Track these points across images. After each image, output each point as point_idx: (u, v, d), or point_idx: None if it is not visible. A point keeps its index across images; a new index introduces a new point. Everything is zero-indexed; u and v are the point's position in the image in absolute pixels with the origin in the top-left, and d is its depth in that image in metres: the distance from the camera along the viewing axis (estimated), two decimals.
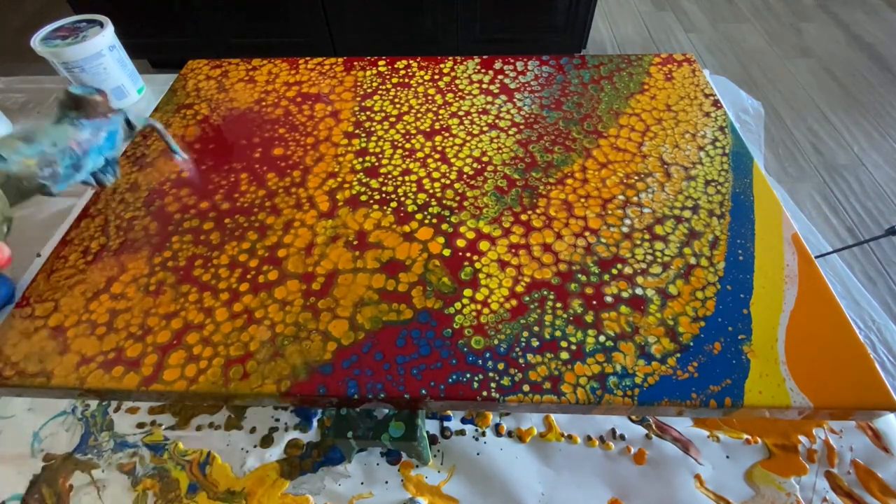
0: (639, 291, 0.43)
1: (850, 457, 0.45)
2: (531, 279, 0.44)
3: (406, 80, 0.66)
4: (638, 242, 0.46)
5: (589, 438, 0.47)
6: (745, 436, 0.46)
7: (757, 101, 0.85)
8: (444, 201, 0.51)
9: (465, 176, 0.53)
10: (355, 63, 0.70)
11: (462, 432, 0.48)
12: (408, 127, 0.60)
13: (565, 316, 0.41)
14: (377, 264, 0.45)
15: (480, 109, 0.62)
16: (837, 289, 0.64)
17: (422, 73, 0.68)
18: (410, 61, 0.70)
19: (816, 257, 0.45)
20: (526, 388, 0.37)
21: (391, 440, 0.41)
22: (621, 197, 0.50)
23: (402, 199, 0.51)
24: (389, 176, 0.54)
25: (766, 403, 0.36)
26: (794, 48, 1.88)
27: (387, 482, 0.45)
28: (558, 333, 0.40)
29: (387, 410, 0.42)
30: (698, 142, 0.56)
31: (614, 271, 0.44)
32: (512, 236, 0.47)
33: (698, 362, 0.38)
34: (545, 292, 0.43)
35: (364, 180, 0.53)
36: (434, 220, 0.49)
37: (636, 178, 0.52)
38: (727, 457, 0.45)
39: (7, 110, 0.86)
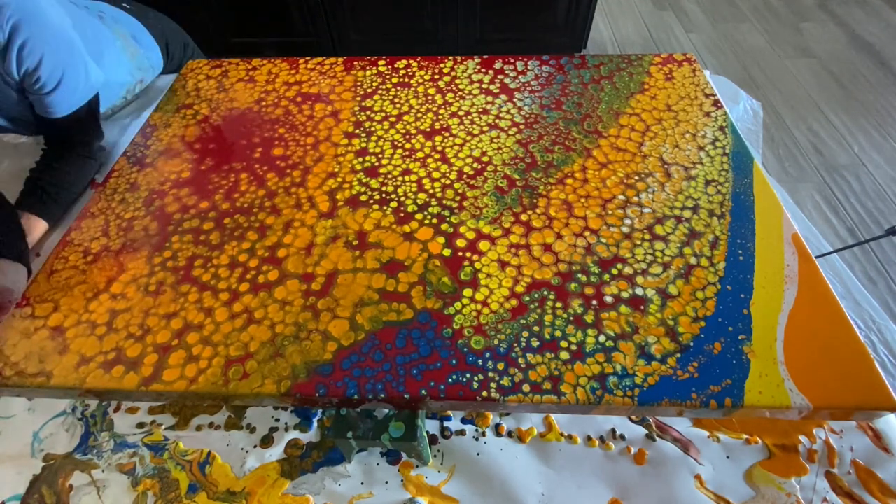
0: (639, 291, 0.42)
1: (850, 457, 0.45)
2: (531, 279, 0.44)
3: (406, 80, 0.66)
4: (638, 242, 0.46)
5: (589, 438, 0.47)
6: (745, 436, 0.46)
7: (757, 101, 0.85)
8: (444, 201, 0.51)
9: (465, 176, 0.53)
10: (355, 63, 0.70)
11: (462, 432, 0.48)
12: (408, 127, 0.60)
13: (565, 316, 0.41)
14: (377, 264, 0.45)
15: (480, 109, 0.61)
16: (837, 289, 0.64)
17: (422, 72, 0.68)
18: (410, 61, 0.70)
19: (816, 257, 0.45)
20: (526, 388, 0.37)
21: (391, 440, 0.41)
22: (621, 197, 0.50)
23: (402, 199, 0.51)
24: (389, 176, 0.54)
25: (766, 404, 0.36)
26: (794, 48, 1.88)
27: (387, 482, 0.45)
28: (558, 333, 0.40)
29: (387, 410, 0.42)
30: (698, 142, 0.56)
31: (614, 271, 0.44)
32: (512, 236, 0.47)
33: (698, 362, 0.38)
34: (545, 292, 0.43)
35: (364, 180, 0.53)
36: (434, 220, 0.49)
37: (636, 177, 0.52)
38: (727, 457, 0.45)
39: None
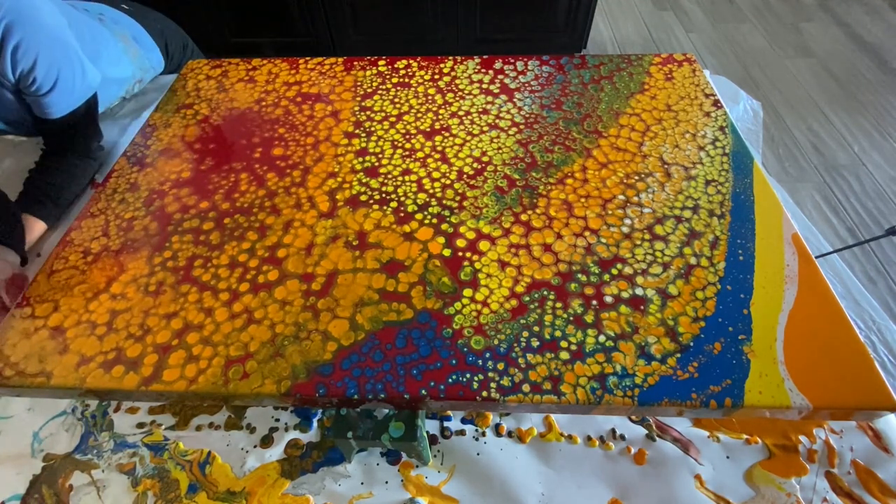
0: (639, 291, 0.42)
1: (850, 457, 0.45)
2: (531, 279, 0.44)
3: (406, 80, 0.66)
4: (638, 242, 0.46)
5: (589, 438, 0.47)
6: (745, 436, 0.46)
7: (757, 101, 0.85)
8: (444, 201, 0.51)
9: (465, 176, 0.53)
10: (355, 63, 0.70)
11: (462, 432, 0.48)
12: (408, 127, 0.60)
13: (565, 316, 0.41)
14: (377, 264, 0.45)
15: (480, 109, 0.61)
16: (837, 289, 0.64)
17: (422, 72, 0.68)
18: (410, 61, 0.70)
19: (816, 257, 0.45)
20: (526, 388, 0.37)
21: (391, 440, 0.41)
22: (621, 197, 0.50)
23: (402, 199, 0.51)
24: (389, 176, 0.54)
25: (766, 404, 0.36)
26: (794, 48, 1.88)
27: (387, 482, 0.45)
28: (558, 333, 0.40)
29: (387, 410, 0.42)
30: (698, 142, 0.56)
31: (614, 271, 0.44)
32: (512, 236, 0.47)
33: (698, 362, 0.38)
34: (545, 292, 0.43)
35: (364, 180, 0.53)
36: (434, 220, 0.49)
37: (636, 177, 0.52)
38: (727, 457, 0.45)
39: None
